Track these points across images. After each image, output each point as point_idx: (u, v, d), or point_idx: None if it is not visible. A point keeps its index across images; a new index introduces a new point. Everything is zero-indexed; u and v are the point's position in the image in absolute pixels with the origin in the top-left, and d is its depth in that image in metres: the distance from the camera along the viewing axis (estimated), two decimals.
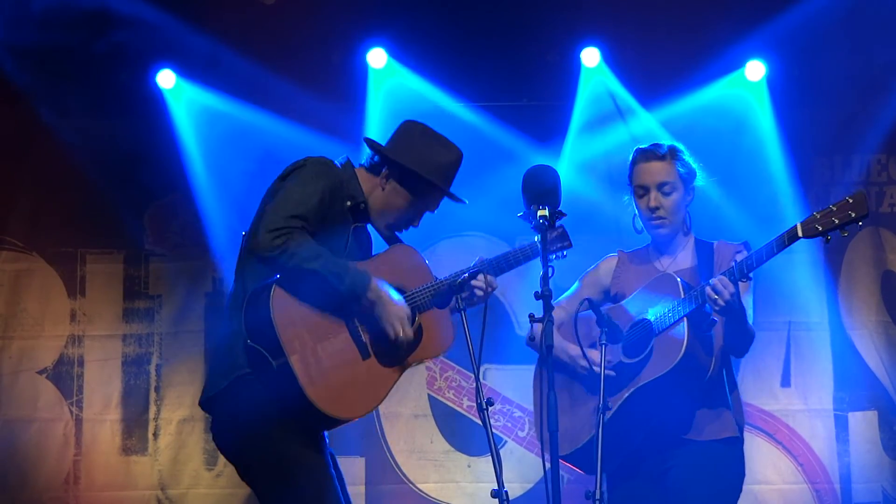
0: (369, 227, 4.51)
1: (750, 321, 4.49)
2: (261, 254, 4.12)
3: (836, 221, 4.16)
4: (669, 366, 4.36)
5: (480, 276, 4.37)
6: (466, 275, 4.32)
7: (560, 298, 4.71)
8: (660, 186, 4.59)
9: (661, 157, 4.60)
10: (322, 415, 4.13)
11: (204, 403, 4.35)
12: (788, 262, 6.78)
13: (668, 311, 4.42)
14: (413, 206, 4.43)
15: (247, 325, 4.19)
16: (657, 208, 4.60)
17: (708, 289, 4.29)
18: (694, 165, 4.68)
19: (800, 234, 4.21)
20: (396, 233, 4.52)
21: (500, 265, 4.49)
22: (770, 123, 7.00)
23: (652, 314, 4.47)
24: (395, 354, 4.30)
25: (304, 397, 4.09)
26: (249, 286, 4.25)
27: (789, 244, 4.23)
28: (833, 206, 4.19)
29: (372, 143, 4.48)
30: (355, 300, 4.18)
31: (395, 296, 4.24)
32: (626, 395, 4.44)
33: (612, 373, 4.42)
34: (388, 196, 4.41)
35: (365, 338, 4.26)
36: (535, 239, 4.41)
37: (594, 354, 4.39)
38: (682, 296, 4.41)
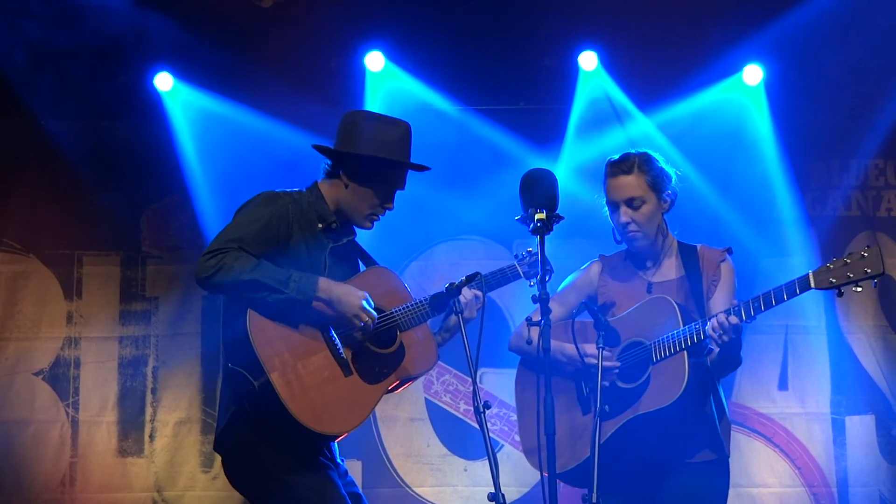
0: (356, 238, 4.51)
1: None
2: (198, 277, 4.17)
3: (851, 276, 4.12)
4: (670, 400, 4.34)
5: (467, 290, 4.37)
6: (464, 278, 4.30)
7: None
8: (629, 202, 4.58)
9: (629, 172, 4.58)
10: (308, 431, 4.13)
11: (215, 446, 4.39)
12: (785, 266, 6.77)
13: (667, 340, 4.40)
14: (382, 190, 4.41)
15: (226, 350, 4.22)
16: (629, 223, 4.59)
17: (709, 328, 4.28)
18: (667, 170, 4.65)
19: (812, 284, 4.18)
20: (377, 222, 4.49)
21: (489, 282, 4.50)
22: (768, 127, 7.00)
23: (648, 339, 4.45)
24: (378, 371, 4.30)
25: (287, 414, 4.09)
26: (225, 313, 4.29)
27: (800, 293, 4.21)
28: (847, 258, 4.15)
29: (321, 148, 4.48)
30: (307, 303, 4.17)
31: (347, 288, 4.23)
32: (623, 421, 4.42)
33: (606, 383, 4.36)
34: (354, 191, 4.40)
35: (346, 354, 4.27)
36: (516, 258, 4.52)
37: (591, 349, 4.37)
38: (681, 325, 4.39)
